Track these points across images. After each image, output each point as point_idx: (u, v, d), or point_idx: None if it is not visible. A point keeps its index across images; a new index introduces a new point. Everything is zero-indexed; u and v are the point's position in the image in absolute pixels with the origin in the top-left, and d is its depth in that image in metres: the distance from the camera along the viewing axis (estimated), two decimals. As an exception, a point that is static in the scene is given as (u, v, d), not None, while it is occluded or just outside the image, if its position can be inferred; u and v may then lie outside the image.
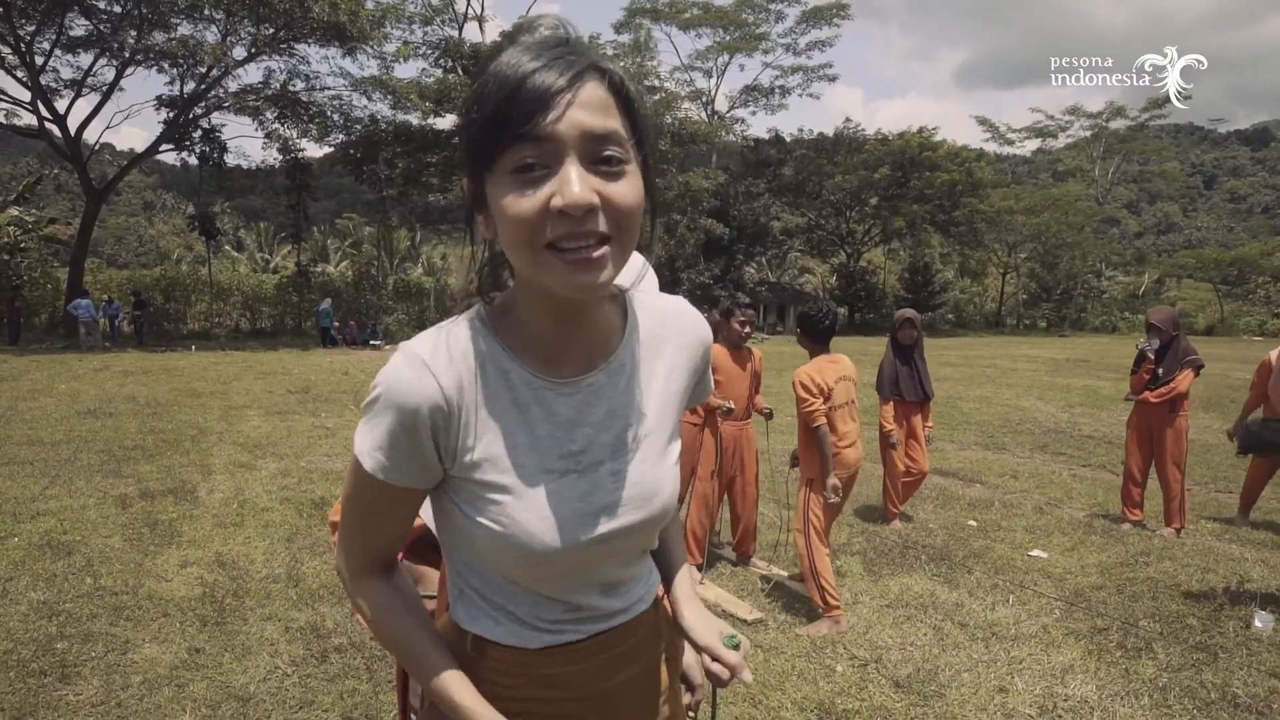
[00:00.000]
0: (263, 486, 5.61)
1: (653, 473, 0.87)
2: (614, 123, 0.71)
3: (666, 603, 1.02)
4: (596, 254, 0.70)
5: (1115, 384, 13.81)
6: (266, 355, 17.78)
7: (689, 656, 1.12)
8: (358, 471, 0.81)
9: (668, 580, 1.03)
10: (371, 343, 22.22)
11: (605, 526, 0.83)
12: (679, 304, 0.94)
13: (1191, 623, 3.53)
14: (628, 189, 0.71)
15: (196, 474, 5.96)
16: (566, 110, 0.69)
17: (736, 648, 0.91)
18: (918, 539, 4.75)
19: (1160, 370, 4.94)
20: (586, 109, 0.69)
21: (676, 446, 0.91)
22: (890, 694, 2.85)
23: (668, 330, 0.91)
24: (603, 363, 0.85)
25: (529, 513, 0.79)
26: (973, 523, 5.17)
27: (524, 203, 0.70)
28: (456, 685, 0.83)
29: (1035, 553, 4.51)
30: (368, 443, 0.79)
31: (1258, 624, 3.44)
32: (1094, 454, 7.76)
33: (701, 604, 0.99)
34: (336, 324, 22.66)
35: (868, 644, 3.26)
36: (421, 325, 26.61)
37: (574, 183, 0.68)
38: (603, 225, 0.70)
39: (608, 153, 0.71)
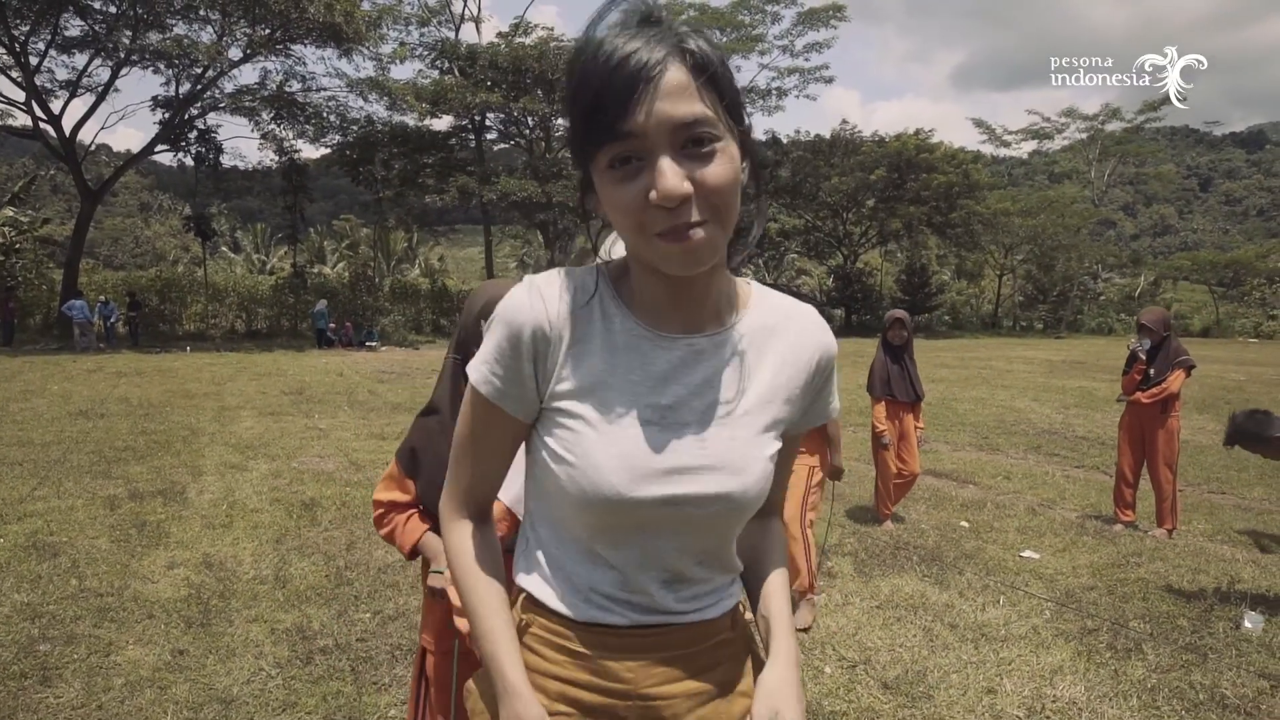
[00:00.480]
0: (253, 488, 5.58)
1: (741, 449, 0.85)
2: (699, 105, 0.72)
3: (758, 634, 0.96)
4: (695, 237, 0.73)
5: (1110, 385, 13.82)
6: (261, 356, 17.74)
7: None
8: (469, 392, 0.87)
9: (755, 608, 0.97)
10: (367, 344, 22.16)
11: (678, 488, 0.82)
12: (806, 309, 0.94)
13: (1182, 623, 3.52)
14: (719, 170, 0.73)
15: (187, 475, 5.93)
16: (651, 105, 0.70)
17: None
18: (909, 540, 4.74)
19: (1152, 371, 4.94)
20: (670, 99, 0.71)
21: (774, 440, 0.89)
22: (878, 695, 2.84)
23: (785, 327, 0.91)
24: (712, 330, 0.86)
25: (605, 451, 0.81)
26: (965, 524, 5.16)
27: (624, 195, 0.74)
28: (507, 654, 0.85)
29: (1027, 554, 4.50)
30: (478, 358, 0.86)
31: (1247, 624, 3.43)
32: (1088, 455, 7.76)
33: (793, 664, 0.90)
34: (333, 325, 22.62)
35: (857, 645, 3.25)
36: (418, 327, 26.60)
37: (666, 175, 0.71)
38: (697, 212, 0.73)
39: (697, 136, 0.72)
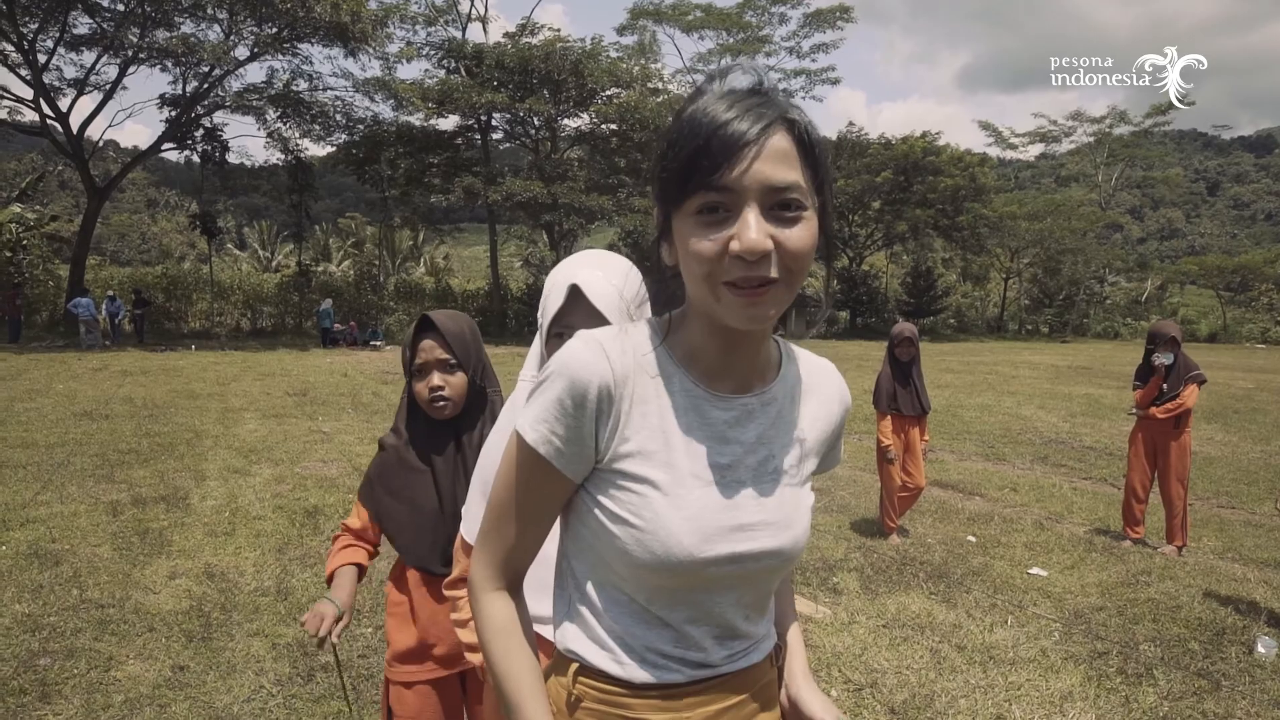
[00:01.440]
0: (256, 494, 5.56)
1: (791, 504, 0.89)
2: (794, 174, 0.76)
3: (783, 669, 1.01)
4: (765, 292, 0.77)
5: (1117, 393, 13.75)
6: (266, 355, 17.75)
7: None
8: (517, 447, 0.85)
9: (780, 632, 1.03)
10: (372, 343, 22.17)
11: (741, 545, 0.85)
12: (827, 365, 1.00)
13: (1193, 647, 3.48)
14: (801, 234, 0.77)
15: (190, 480, 5.91)
16: (752, 163, 0.74)
17: None
18: (916, 555, 4.70)
19: (1165, 385, 4.89)
20: (770, 162, 0.75)
21: (811, 492, 0.94)
22: (885, 721, 2.80)
23: (816, 382, 0.96)
24: (759, 389, 0.90)
25: (674, 512, 0.82)
26: (972, 538, 5.11)
27: (706, 243, 0.77)
28: None
29: (1035, 571, 4.45)
30: (533, 414, 0.84)
31: (1260, 650, 3.38)
32: (1095, 465, 7.70)
33: (811, 674, 0.99)
34: (337, 324, 22.63)
35: (863, 667, 3.21)
36: (422, 326, 26.55)
37: (751, 229, 0.74)
38: (774, 269, 0.76)
39: (786, 200, 0.76)
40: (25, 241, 20.87)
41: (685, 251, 0.79)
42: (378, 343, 22.29)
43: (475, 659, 1.29)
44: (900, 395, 4.97)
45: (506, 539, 0.88)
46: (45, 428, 7.74)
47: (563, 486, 0.86)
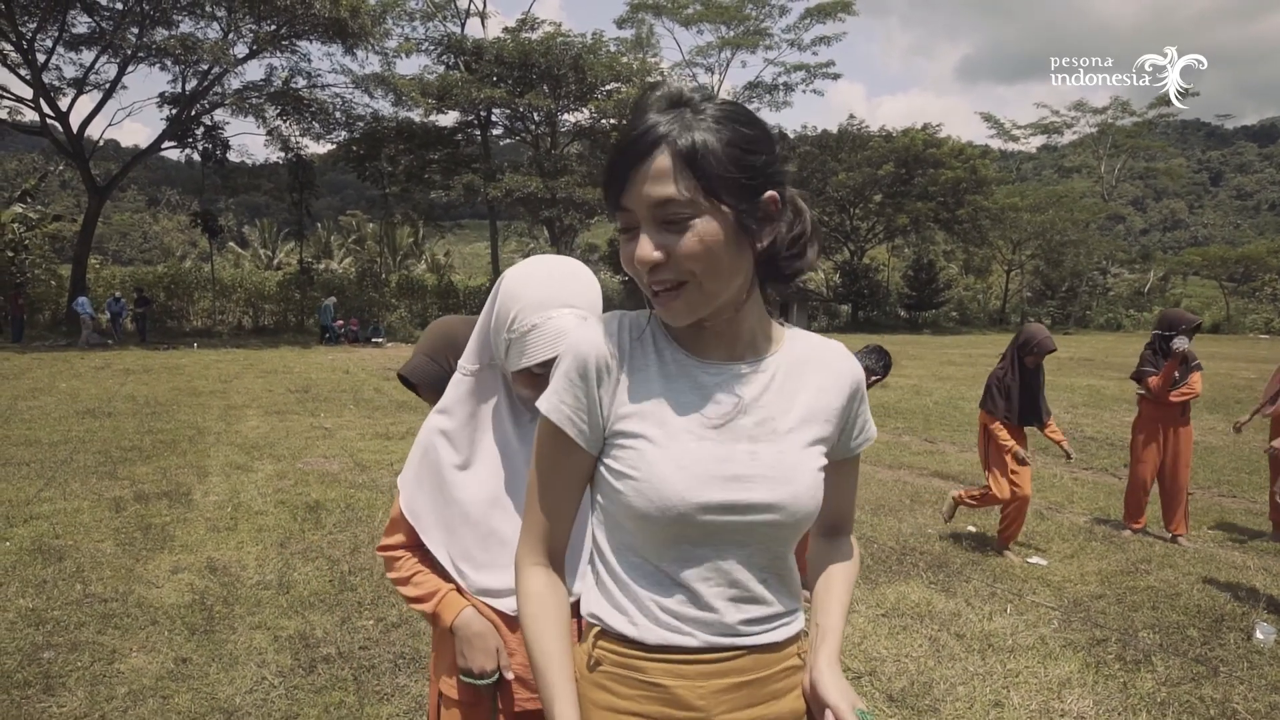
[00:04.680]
0: (258, 489, 5.59)
1: (790, 460, 0.92)
2: (671, 188, 0.83)
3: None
4: (673, 294, 0.86)
5: (1119, 384, 13.73)
6: (268, 353, 17.79)
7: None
8: (539, 425, 0.95)
9: (816, 614, 1.03)
10: (373, 340, 22.20)
11: (736, 495, 0.89)
12: (835, 344, 1.04)
13: (1192, 634, 3.48)
14: (690, 240, 0.84)
15: (192, 476, 5.94)
16: (640, 186, 0.84)
17: None
18: (916, 545, 4.71)
19: (1177, 373, 4.88)
20: (651, 182, 0.83)
21: (821, 456, 0.96)
22: (884, 708, 2.81)
23: (820, 357, 1.00)
24: (750, 360, 0.95)
25: (667, 462, 0.88)
26: (972, 528, 5.12)
27: (626, 257, 0.88)
28: (564, 710, 0.89)
29: (1035, 560, 4.46)
30: (548, 391, 0.94)
31: (1259, 636, 3.39)
32: (1096, 456, 7.70)
33: (839, 662, 1.00)
34: (339, 321, 22.66)
35: (863, 655, 3.22)
36: (424, 323, 26.61)
37: (639, 245, 0.85)
38: (672, 274, 0.85)
39: (669, 214, 0.84)
40: (27, 241, 20.90)
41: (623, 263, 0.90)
42: (379, 339, 22.32)
43: (423, 608, 1.34)
44: (1020, 405, 4.46)
45: (540, 516, 0.96)
46: (48, 426, 7.77)
47: (581, 459, 0.94)
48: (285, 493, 5.51)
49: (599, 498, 0.96)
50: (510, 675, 1.30)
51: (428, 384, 1.55)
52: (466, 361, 1.32)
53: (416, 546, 1.39)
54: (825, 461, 0.97)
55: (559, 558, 0.98)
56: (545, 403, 0.93)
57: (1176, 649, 3.33)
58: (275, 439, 7.49)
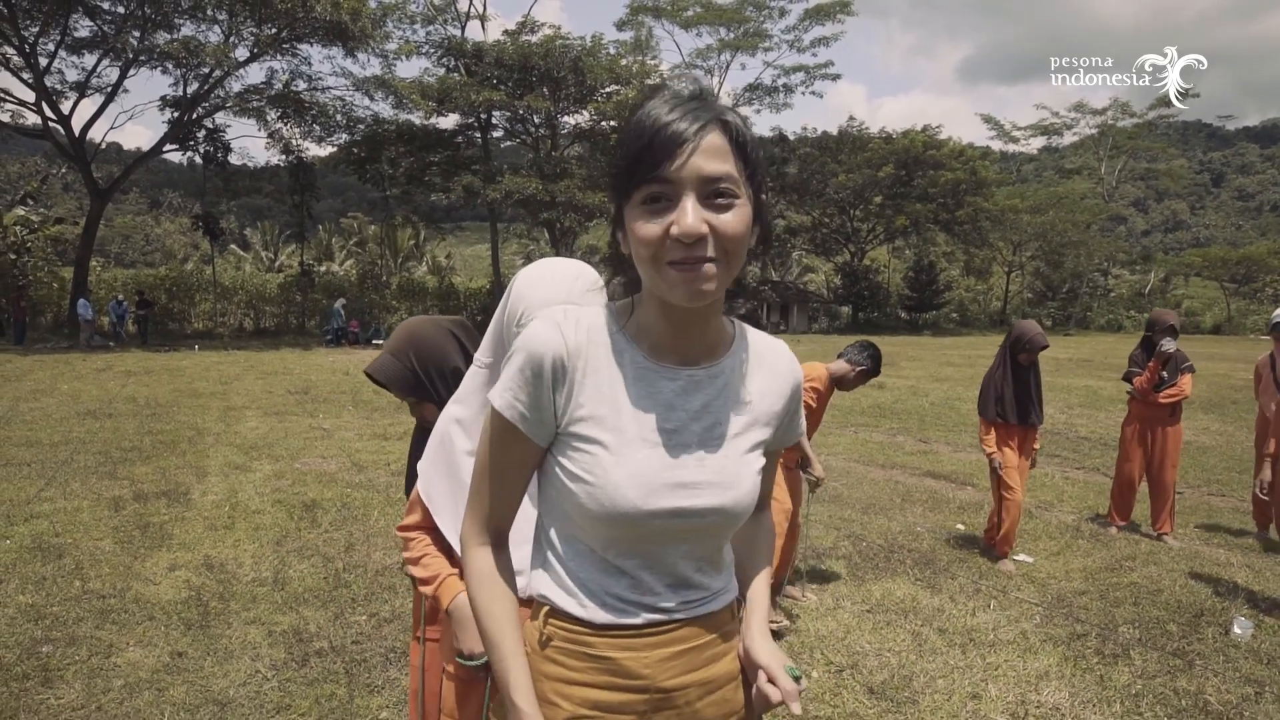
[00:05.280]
0: (255, 489, 5.65)
1: (734, 467, 0.97)
2: (727, 166, 0.86)
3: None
4: (705, 270, 0.86)
5: (1115, 385, 13.76)
6: (268, 355, 17.87)
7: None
8: (490, 415, 0.97)
9: (743, 586, 1.10)
10: (374, 342, 22.27)
11: (683, 501, 0.93)
12: (779, 344, 1.09)
13: (1171, 629, 3.54)
14: (734, 220, 0.86)
15: (191, 476, 6.01)
16: (689, 158, 0.84)
17: (797, 679, 0.96)
18: (904, 543, 4.76)
19: (1164, 373, 4.94)
20: (705, 156, 0.85)
21: (759, 458, 1.02)
22: (863, 700, 2.87)
23: (767, 359, 1.05)
24: (707, 363, 0.98)
25: (620, 470, 0.91)
26: (961, 526, 5.18)
27: (649, 228, 0.86)
28: (517, 678, 0.94)
29: (1021, 557, 4.51)
30: (500, 385, 0.95)
31: (1236, 630, 3.44)
32: (1088, 456, 7.75)
33: (768, 629, 1.06)
34: (354, 323, 22.78)
35: (845, 649, 3.28)
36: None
37: (689, 214, 0.84)
38: (711, 250, 0.85)
39: (720, 189, 0.86)
40: (29, 244, 21.02)
41: (634, 237, 0.88)
42: (379, 341, 22.40)
43: (426, 590, 1.45)
44: (1011, 402, 4.36)
45: (487, 499, 0.99)
46: (49, 426, 7.85)
47: (530, 450, 0.96)
48: (282, 492, 5.58)
49: (549, 489, 0.99)
50: None
51: (392, 380, 1.64)
52: (482, 355, 1.40)
53: (431, 528, 1.50)
54: (763, 462, 1.03)
55: (503, 537, 1.02)
56: (498, 397, 0.95)
57: (1155, 643, 3.39)
58: (274, 439, 7.55)
